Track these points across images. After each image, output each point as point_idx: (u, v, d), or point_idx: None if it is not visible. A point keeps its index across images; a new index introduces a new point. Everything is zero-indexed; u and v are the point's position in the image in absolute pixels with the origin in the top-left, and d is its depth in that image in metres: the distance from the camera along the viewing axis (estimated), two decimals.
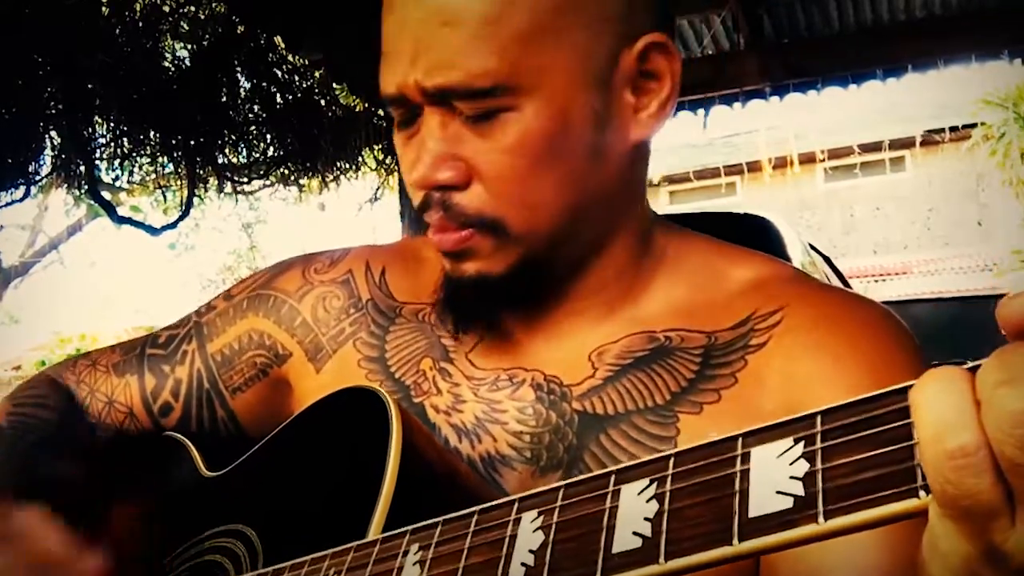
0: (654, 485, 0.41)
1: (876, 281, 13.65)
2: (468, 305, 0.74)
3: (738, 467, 0.39)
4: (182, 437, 0.88)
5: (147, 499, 0.89)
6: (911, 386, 0.36)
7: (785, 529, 0.36)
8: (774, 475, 0.37)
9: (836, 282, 3.89)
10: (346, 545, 0.55)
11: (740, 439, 0.40)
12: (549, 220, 0.70)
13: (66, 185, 4.03)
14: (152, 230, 4.75)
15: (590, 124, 0.69)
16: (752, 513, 0.37)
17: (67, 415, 0.89)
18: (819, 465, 0.36)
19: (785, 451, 0.38)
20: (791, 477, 0.37)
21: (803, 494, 0.36)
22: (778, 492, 0.37)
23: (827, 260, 4.22)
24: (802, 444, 0.37)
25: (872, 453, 0.35)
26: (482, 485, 0.71)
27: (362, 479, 0.62)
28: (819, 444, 0.37)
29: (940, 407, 0.34)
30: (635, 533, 0.40)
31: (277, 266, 0.93)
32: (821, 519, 0.35)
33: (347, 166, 4.53)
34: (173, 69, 4.02)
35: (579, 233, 0.73)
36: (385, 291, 0.86)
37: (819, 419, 0.38)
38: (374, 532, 0.57)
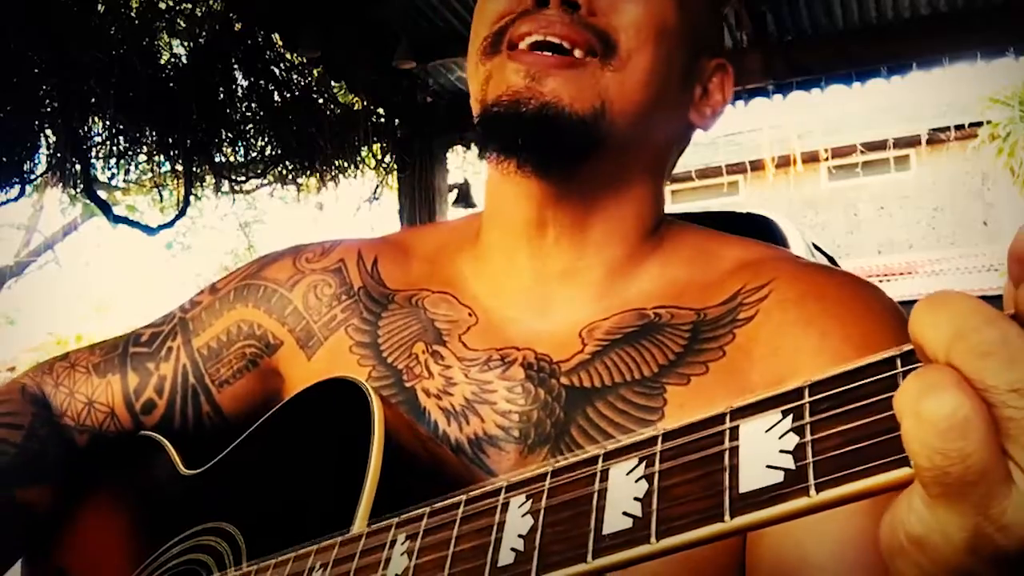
0: (643, 465, 0.41)
1: (881, 281, 13.57)
2: (525, 131, 0.71)
3: (727, 443, 0.38)
4: (158, 436, 0.87)
5: (126, 501, 0.88)
6: (899, 355, 0.35)
7: (777, 503, 0.35)
8: (763, 449, 0.37)
9: None
10: (331, 540, 0.54)
11: (728, 415, 0.39)
12: (646, 82, 0.73)
13: (61, 184, 4.01)
14: (148, 229, 4.74)
15: (688, 59, 0.78)
16: (743, 488, 0.36)
17: (38, 429, 0.87)
18: (808, 437, 0.36)
19: (774, 425, 0.37)
20: (781, 451, 0.36)
21: (793, 467, 0.36)
22: (768, 466, 0.36)
23: (831, 260, 4.18)
24: (790, 417, 0.37)
25: (861, 423, 0.35)
26: (468, 471, 0.70)
27: (345, 472, 0.61)
28: (807, 417, 0.36)
29: (919, 390, 0.32)
30: (625, 514, 0.39)
31: (265, 258, 0.92)
32: (812, 492, 0.35)
33: (345, 165, 4.50)
34: (169, 67, 4.00)
35: (636, 146, 0.76)
36: (377, 279, 0.86)
37: (807, 391, 0.37)
38: (359, 525, 0.56)
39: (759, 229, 3.14)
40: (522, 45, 0.72)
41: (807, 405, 0.37)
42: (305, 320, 0.85)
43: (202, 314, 0.89)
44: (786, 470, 0.36)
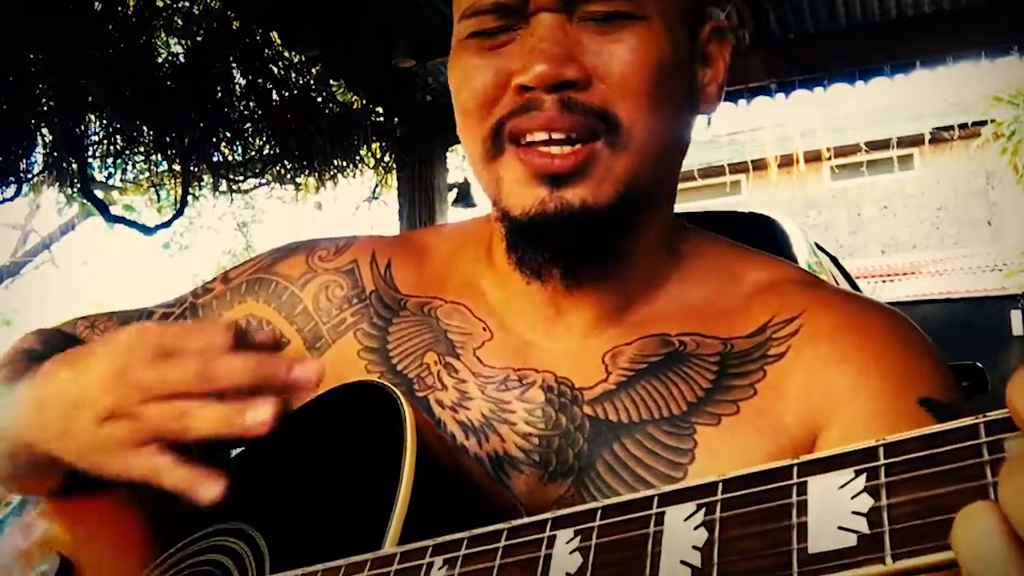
0: (702, 511, 0.39)
1: (884, 281, 13.55)
2: (560, 242, 0.70)
3: (794, 497, 0.37)
4: None
5: (139, 493, 0.84)
6: (982, 423, 0.34)
7: (850, 568, 0.34)
8: (835, 509, 0.36)
9: (843, 283, 3.82)
10: (362, 557, 0.53)
11: (796, 467, 0.38)
12: (654, 139, 0.70)
13: (58, 183, 3.99)
14: (146, 229, 4.72)
15: (688, 65, 0.74)
16: (812, 549, 0.35)
17: None
18: (884, 501, 0.35)
19: (846, 483, 0.36)
20: (853, 512, 0.35)
21: (868, 532, 0.34)
22: (840, 528, 0.35)
23: (834, 260, 4.16)
24: (864, 477, 0.36)
25: (940, 491, 0.34)
26: (495, 487, 0.69)
27: (375, 481, 0.59)
28: (883, 478, 0.35)
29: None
30: (683, 562, 0.38)
31: (279, 250, 0.91)
32: (888, 560, 0.33)
33: (344, 164, 4.48)
34: (167, 65, 3.98)
35: (657, 180, 0.74)
36: (390, 283, 0.84)
37: (882, 451, 0.36)
38: (391, 541, 0.55)
39: (762, 229, 3.11)
40: (526, 140, 0.69)
41: (882, 466, 0.35)
42: (314, 321, 0.84)
43: (213, 302, 0.89)
44: (860, 534, 0.34)
